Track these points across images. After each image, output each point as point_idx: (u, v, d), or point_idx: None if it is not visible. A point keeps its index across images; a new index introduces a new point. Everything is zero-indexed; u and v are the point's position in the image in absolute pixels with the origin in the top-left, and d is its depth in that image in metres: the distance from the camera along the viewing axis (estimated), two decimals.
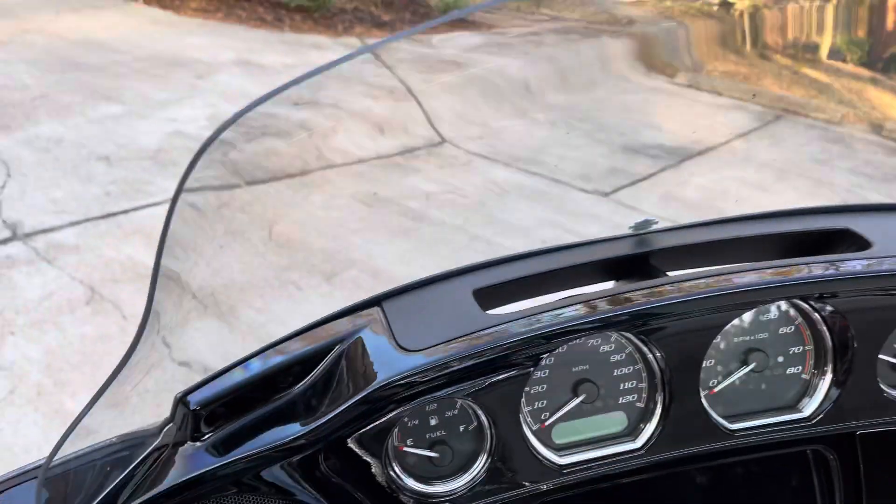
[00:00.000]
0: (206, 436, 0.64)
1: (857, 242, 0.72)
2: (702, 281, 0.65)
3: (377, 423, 0.61)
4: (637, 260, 0.72)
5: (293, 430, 0.61)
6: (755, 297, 0.64)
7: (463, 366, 0.61)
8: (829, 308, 0.67)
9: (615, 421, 0.68)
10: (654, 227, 0.72)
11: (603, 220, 3.87)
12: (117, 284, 3.26)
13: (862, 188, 5.64)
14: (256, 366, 0.67)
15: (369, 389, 0.60)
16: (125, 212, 3.79)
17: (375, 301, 0.71)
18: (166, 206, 0.71)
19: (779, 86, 9.25)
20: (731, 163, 5.36)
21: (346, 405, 0.60)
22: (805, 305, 0.67)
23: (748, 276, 0.65)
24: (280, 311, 3.07)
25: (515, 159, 4.56)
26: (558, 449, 0.68)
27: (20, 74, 5.47)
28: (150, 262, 0.72)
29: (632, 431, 0.68)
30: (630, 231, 0.72)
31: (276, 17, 7.61)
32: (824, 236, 0.74)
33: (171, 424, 0.67)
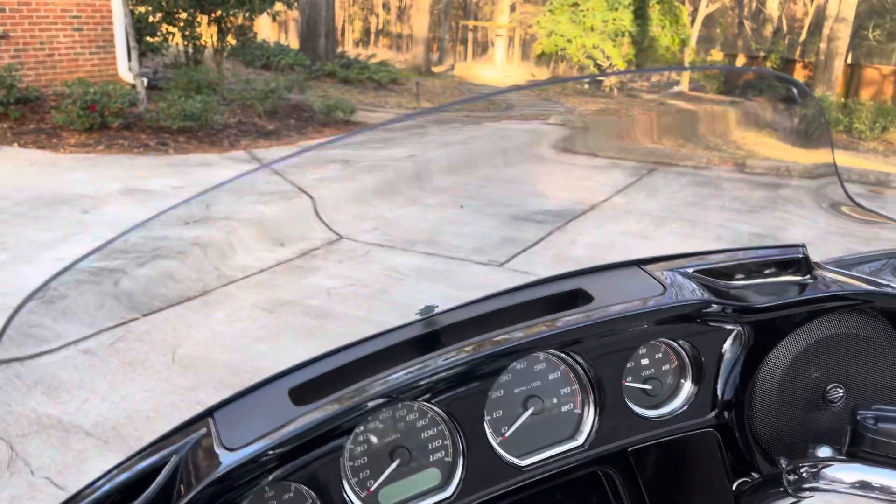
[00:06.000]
0: None
1: (586, 298, 0.88)
2: (470, 344, 0.79)
3: None
4: (428, 339, 0.85)
5: None
6: (515, 349, 0.78)
7: (273, 454, 0.69)
8: (577, 353, 0.81)
9: (431, 476, 0.77)
10: (437, 310, 0.86)
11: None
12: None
13: (733, 221, 6.08)
14: (103, 486, 0.72)
15: (192, 493, 0.66)
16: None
17: (208, 413, 0.79)
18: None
19: (650, 140, 9.96)
20: (614, 217, 5.69)
21: None
22: (561, 353, 0.81)
23: (507, 335, 0.80)
24: None
25: (411, 243, 4.69)
26: None
27: None
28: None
29: (445, 483, 0.77)
30: (418, 316, 0.86)
31: (160, 142, 7.62)
32: (567, 296, 0.91)
33: None
